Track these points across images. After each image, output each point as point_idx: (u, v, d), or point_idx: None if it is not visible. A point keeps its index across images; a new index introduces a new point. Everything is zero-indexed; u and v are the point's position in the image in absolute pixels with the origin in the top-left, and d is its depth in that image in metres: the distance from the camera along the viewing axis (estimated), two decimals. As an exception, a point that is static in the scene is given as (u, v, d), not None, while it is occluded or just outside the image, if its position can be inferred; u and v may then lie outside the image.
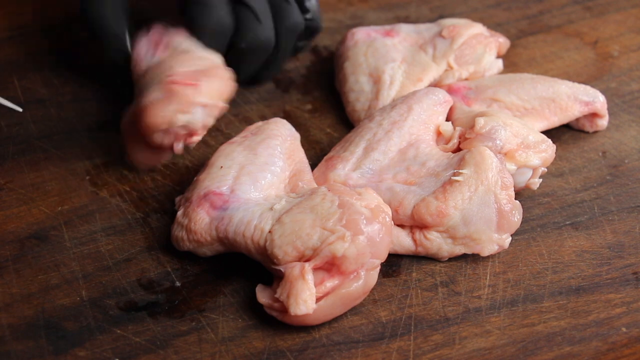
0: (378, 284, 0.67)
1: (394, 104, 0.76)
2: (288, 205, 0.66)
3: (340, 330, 0.66)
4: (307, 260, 0.63)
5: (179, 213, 0.70)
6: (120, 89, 0.83)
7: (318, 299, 0.63)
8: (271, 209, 0.66)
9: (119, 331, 0.66)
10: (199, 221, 0.68)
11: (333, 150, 0.75)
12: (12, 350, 0.64)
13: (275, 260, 0.64)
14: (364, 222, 0.64)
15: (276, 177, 0.71)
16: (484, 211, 0.68)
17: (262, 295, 0.65)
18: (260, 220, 0.66)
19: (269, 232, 0.65)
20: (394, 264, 0.70)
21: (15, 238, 0.72)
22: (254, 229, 0.65)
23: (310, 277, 0.63)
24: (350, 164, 0.72)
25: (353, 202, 0.65)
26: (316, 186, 0.70)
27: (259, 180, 0.70)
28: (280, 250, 0.64)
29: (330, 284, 0.64)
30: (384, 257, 0.65)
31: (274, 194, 0.70)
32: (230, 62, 0.78)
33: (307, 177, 0.72)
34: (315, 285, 0.63)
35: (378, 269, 0.65)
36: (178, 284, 0.69)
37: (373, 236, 0.64)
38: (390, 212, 0.66)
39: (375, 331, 0.66)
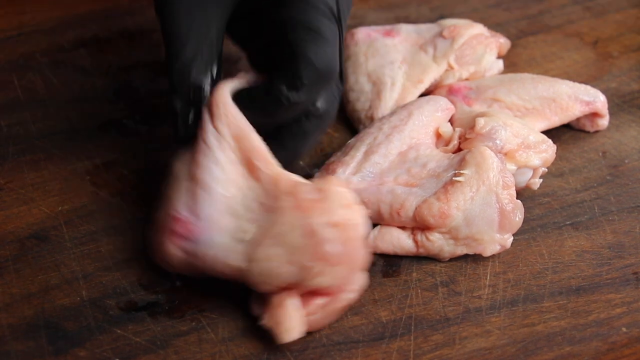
0: (378, 284, 0.67)
1: (394, 111, 0.76)
2: (258, 232, 0.63)
3: (340, 330, 0.66)
4: (291, 289, 0.63)
5: (155, 238, 0.66)
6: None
7: (309, 314, 0.63)
8: (242, 240, 0.63)
9: (119, 331, 0.66)
10: (174, 258, 0.65)
11: (334, 156, 0.75)
12: (12, 350, 0.64)
13: (259, 291, 0.64)
14: (335, 249, 0.61)
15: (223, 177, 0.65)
16: (485, 211, 0.68)
17: (257, 307, 0.65)
18: (235, 258, 0.63)
19: (247, 269, 0.62)
20: (394, 264, 0.70)
21: (15, 238, 0.72)
22: (230, 269, 0.63)
23: (295, 302, 0.62)
24: (350, 168, 0.72)
25: (316, 229, 0.61)
26: (273, 170, 0.64)
27: (212, 194, 0.64)
28: (262, 286, 0.63)
29: (319, 301, 0.63)
30: (366, 266, 0.64)
31: (234, 192, 0.64)
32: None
33: (256, 149, 0.64)
34: (304, 305, 0.63)
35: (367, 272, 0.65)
36: (178, 284, 0.69)
37: (349, 259, 0.62)
38: (360, 211, 0.63)
39: (375, 331, 0.66)
